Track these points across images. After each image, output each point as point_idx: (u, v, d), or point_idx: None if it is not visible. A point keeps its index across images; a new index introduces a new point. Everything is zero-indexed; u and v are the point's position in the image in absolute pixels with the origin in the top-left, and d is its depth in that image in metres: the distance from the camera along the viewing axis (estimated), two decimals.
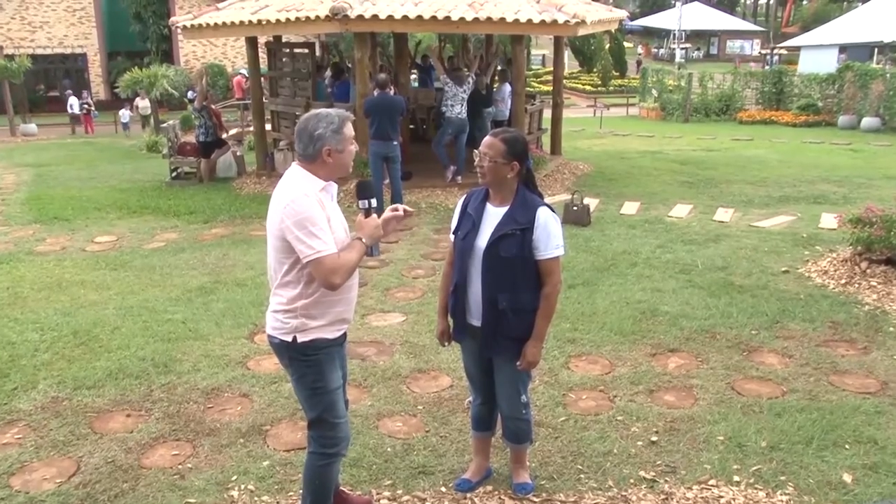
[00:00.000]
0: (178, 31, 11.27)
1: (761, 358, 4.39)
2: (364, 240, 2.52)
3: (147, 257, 6.87)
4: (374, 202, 2.59)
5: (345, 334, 2.68)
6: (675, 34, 35.84)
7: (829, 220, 7.71)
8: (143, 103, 19.04)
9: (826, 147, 14.81)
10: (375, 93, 8.21)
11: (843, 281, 5.71)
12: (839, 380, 4.09)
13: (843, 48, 24.50)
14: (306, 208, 2.40)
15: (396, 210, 2.62)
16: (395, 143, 8.07)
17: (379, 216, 2.59)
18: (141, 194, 10.01)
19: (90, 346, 4.68)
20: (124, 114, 19.62)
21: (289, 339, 2.55)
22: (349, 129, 2.53)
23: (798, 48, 27.32)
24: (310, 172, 2.50)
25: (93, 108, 22.19)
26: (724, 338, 4.69)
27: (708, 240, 7.11)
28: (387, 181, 8.41)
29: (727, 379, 4.11)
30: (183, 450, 3.46)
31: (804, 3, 50.62)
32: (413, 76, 13.84)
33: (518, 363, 2.77)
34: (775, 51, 34.58)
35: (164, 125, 12.61)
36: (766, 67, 27.86)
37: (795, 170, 11.44)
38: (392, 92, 8.43)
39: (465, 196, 2.92)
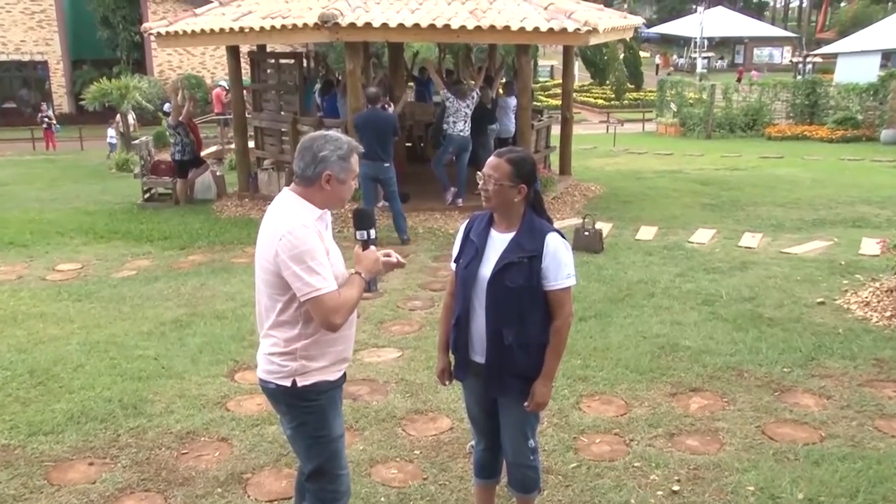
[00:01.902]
0: (152, 38, 11.44)
1: (795, 399, 4.40)
2: (363, 274, 2.54)
3: (116, 287, 6.92)
4: (373, 233, 2.62)
5: (345, 375, 2.70)
6: (696, 42, 36.33)
7: (870, 246, 7.75)
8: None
9: (866, 165, 14.93)
10: (368, 107, 8.28)
11: (888, 313, 5.72)
12: (887, 425, 4.07)
13: (886, 54, 24.59)
14: (305, 241, 2.40)
15: (389, 256, 2.65)
16: (387, 164, 8.07)
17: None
18: (109, 217, 10.09)
19: (49, 386, 4.68)
20: (111, 133, 19.37)
21: (287, 383, 2.54)
22: (355, 162, 2.55)
23: (834, 55, 27.53)
24: (304, 199, 2.51)
25: (54, 122, 22.32)
26: (752, 376, 4.71)
27: (733, 267, 7.17)
28: (380, 204, 8.48)
29: (757, 422, 4.12)
30: (153, 501, 3.46)
31: (842, 4, 51.20)
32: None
33: (525, 404, 2.80)
34: (808, 58, 34.95)
35: (136, 142, 12.75)
36: (798, 77, 28.14)
37: (832, 190, 11.54)
38: (391, 109, 8.49)
39: (467, 221, 2.97)
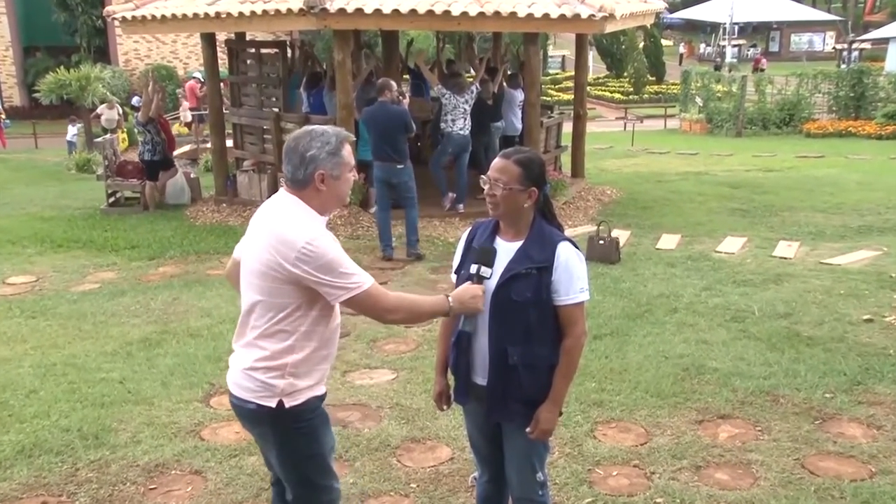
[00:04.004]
0: (116, 23, 11.48)
1: (839, 428, 4.41)
2: (451, 301, 2.64)
3: (76, 302, 6.94)
4: (487, 272, 2.72)
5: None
6: (725, 28, 36.47)
7: None
8: (108, 114, 18.32)
9: None
10: (378, 101, 8.18)
11: None
12: None
13: None
14: (329, 249, 2.49)
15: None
16: (400, 165, 7.97)
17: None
18: (69, 224, 10.12)
19: None
20: (71, 130, 19.02)
21: (272, 403, 2.55)
22: (348, 152, 2.59)
23: (886, 40, 27.55)
24: (304, 202, 2.56)
25: (3, 117, 22.35)
26: (789, 402, 4.73)
27: (767, 280, 7.20)
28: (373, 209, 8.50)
29: (795, 454, 4.14)
30: None
31: None
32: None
33: (528, 430, 2.81)
34: (854, 45, 34.97)
35: (99, 140, 12.79)
36: (843, 66, 28.18)
37: (880, 193, 11.57)
38: (405, 102, 8.31)
39: (469, 229, 3.01)
